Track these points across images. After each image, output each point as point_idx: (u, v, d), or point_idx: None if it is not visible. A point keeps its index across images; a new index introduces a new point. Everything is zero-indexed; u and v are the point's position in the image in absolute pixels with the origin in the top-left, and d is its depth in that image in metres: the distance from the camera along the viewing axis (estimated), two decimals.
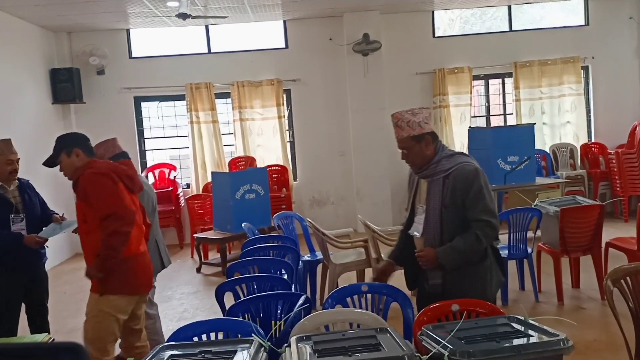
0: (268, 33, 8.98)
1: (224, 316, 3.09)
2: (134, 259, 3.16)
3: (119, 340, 3.35)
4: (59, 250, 7.64)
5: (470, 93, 8.82)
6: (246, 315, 2.77)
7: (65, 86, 8.11)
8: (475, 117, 9.16)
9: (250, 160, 8.61)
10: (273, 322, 2.94)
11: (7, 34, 7.10)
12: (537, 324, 2.17)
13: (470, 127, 8.08)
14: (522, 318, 2.25)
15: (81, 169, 3.15)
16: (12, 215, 3.73)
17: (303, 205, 8.82)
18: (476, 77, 8.93)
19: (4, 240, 3.67)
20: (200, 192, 8.42)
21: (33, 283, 3.88)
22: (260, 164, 8.57)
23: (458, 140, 8.79)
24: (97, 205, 3.03)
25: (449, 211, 2.69)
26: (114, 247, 3.00)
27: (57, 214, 4.00)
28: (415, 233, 2.85)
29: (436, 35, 9.02)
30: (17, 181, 3.85)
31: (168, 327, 4.81)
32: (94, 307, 3.12)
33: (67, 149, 3.20)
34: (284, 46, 8.84)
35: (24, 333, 3.92)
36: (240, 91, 8.61)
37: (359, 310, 2.62)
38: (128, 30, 8.65)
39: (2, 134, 6.57)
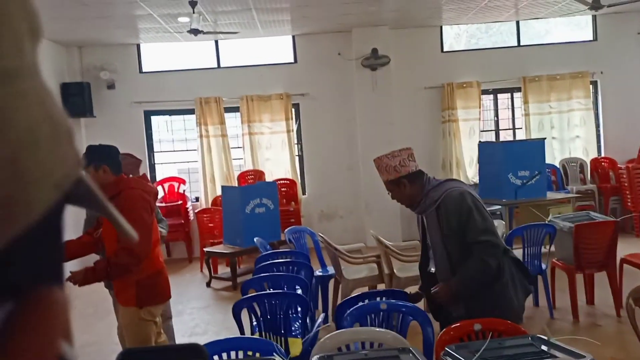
0: (277, 48, 9.04)
1: (240, 334, 3.08)
2: (162, 272, 3.39)
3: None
4: (68, 263, 7.64)
5: (479, 107, 8.83)
6: (264, 334, 2.76)
7: (75, 100, 8.15)
8: (484, 131, 9.16)
9: (259, 174, 8.61)
10: (290, 339, 2.92)
11: None
12: (562, 344, 2.15)
13: (480, 141, 8.08)
14: (546, 338, 2.23)
15: (113, 187, 3.13)
16: None
17: (312, 219, 8.79)
18: (485, 92, 8.94)
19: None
20: (210, 206, 8.42)
21: None
22: (269, 177, 8.57)
23: (467, 155, 8.79)
24: None
25: (451, 240, 2.75)
26: (112, 275, 3.13)
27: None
28: (432, 269, 2.93)
29: (444, 50, 9.06)
30: None
31: (179, 342, 4.79)
32: (133, 318, 3.27)
33: (95, 164, 3.16)
34: (292, 61, 8.89)
35: None
36: (250, 105, 8.64)
37: (380, 329, 2.60)
38: (138, 45, 8.72)
39: None
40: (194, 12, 6.38)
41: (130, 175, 3.74)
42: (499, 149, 7.03)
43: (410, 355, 2.13)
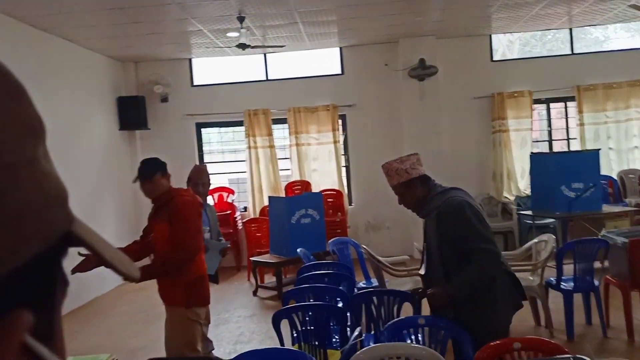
0: (324, 59, 9.13)
1: (280, 344, 3.12)
2: (205, 277, 3.58)
3: None
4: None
5: (531, 117, 8.60)
6: (302, 345, 2.78)
7: (131, 113, 8.50)
8: (536, 141, 8.90)
9: (306, 185, 8.69)
10: (330, 351, 2.94)
11: (79, 65, 7.55)
12: None
13: (532, 152, 7.86)
14: (588, 359, 2.16)
15: (167, 194, 3.43)
16: None
17: (358, 230, 8.78)
18: (537, 101, 8.71)
19: None
20: (257, 216, 8.55)
21: None
22: (315, 188, 8.63)
23: (519, 166, 8.56)
24: (180, 232, 3.31)
25: (447, 247, 2.79)
26: (166, 272, 3.35)
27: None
28: (422, 272, 3.00)
29: (494, 58, 8.89)
30: None
31: (225, 350, 4.89)
32: (182, 317, 3.44)
33: (163, 171, 3.47)
34: (339, 72, 8.95)
35: None
36: (297, 117, 8.75)
37: (416, 345, 2.58)
38: (190, 60, 9.01)
39: (73, 158, 6.97)
40: (242, 27, 6.55)
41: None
42: (551, 160, 6.82)
43: None
